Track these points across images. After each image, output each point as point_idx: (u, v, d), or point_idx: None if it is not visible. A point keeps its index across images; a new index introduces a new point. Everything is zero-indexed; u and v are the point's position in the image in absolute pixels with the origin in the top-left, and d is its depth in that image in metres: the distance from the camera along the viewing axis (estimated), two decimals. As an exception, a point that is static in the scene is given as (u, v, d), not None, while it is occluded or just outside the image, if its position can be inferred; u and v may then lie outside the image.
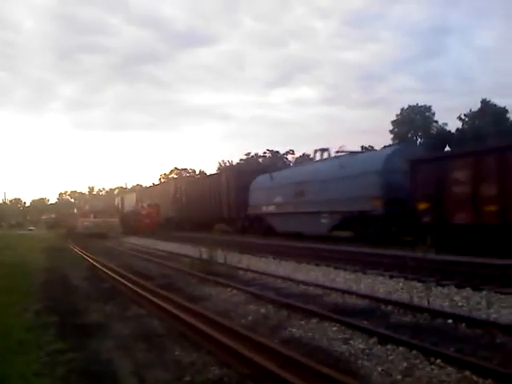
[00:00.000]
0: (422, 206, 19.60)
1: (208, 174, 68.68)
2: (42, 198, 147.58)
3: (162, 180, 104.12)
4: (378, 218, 22.14)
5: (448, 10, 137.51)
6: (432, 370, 5.43)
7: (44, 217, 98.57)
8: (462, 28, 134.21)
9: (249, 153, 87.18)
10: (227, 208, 36.12)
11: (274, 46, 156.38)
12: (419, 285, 10.80)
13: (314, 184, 26.67)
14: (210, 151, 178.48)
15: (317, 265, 15.34)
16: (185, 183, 49.20)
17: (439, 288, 10.56)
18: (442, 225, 18.61)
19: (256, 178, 33.62)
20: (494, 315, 8.02)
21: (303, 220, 27.25)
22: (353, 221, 23.75)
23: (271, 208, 30.44)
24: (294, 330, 7.47)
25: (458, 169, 18.42)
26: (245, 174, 36.89)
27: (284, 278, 12.75)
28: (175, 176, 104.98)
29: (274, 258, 17.81)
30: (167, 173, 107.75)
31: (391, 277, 12.38)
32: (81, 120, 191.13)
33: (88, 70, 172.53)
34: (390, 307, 8.84)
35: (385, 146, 26.01)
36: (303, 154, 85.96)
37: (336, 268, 14.49)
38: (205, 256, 15.24)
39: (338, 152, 28.18)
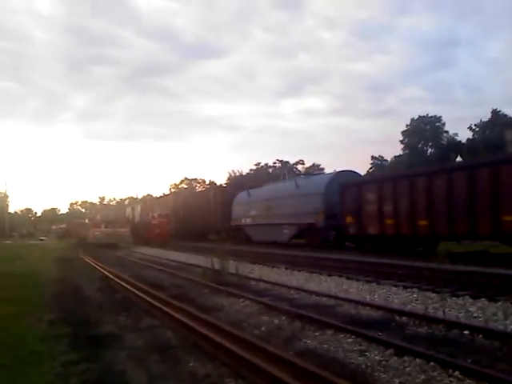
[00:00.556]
0: (349, 219, 25.65)
1: (199, 189, 76.99)
2: (53, 208, 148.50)
3: (172, 190, 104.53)
4: (321, 229, 28.29)
5: (457, 22, 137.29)
6: (451, 382, 5.35)
7: (55, 227, 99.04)
8: (471, 39, 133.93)
9: (259, 163, 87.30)
10: (215, 220, 40.97)
11: (283, 57, 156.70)
12: (434, 295, 10.72)
13: (278, 200, 32.91)
14: (219, 161, 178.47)
15: (329, 275, 15.26)
16: (182, 197, 53.73)
17: (454, 299, 10.45)
18: (362, 234, 24.88)
19: (237, 195, 39.34)
20: (511, 326, 7.91)
21: (271, 230, 33.12)
22: (304, 231, 29.91)
23: (248, 220, 36.57)
24: (309, 341, 7.41)
25: (369, 192, 24.55)
26: (229, 190, 43.64)
27: (297, 289, 12.69)
28: (185, 186, 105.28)
29: (286, 268, 17.75)
30: (177, 183, 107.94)
31: (405, 287, 12.28)
32: (92, 131, 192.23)
33: (99, 81, 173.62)
34: (404, 318, 8.75)
35: (340, 170, 32.62)
36: (313, 164, 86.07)
37: (348, 278, 14.40)
38: (216, 266, 15.21)
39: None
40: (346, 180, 27.65)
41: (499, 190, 17.73)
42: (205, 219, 42.81)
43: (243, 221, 37.31)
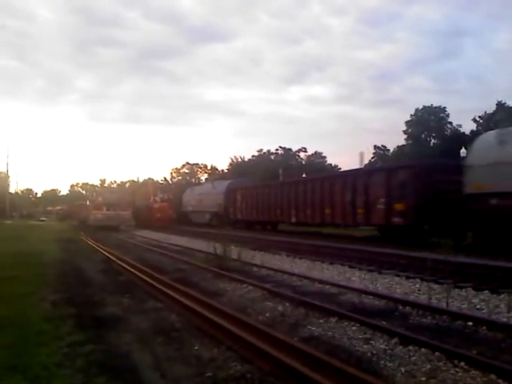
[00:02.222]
0: (230, 210, 41.08)
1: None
2: (54, 189, 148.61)
3: (174, 174, 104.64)
4: (222, 215, 41.55)
5: (464, 12, 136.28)
6: (456, 372, 5.36)
7: (56, 208, 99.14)
8: (477, 30, 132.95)
9: (261, 149, 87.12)
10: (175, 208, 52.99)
11: (289, 43, 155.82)
12: (436, 286, 10.73)
13: (204, 196, 47.66)
14: (222, 147, 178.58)
15: (331, 263, 15.29)
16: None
17: (457, 290, 10.46)
18: (234, 219, 40.11)
19: (186, 190, 54.96)
20: (515, 319, 7.93)
21: (200, 215, 47.36)
22: (214, 216, 43.51)
23: (190, 208, 50.97)
24: (314, 328, 7.43)
25: (237, 194, 40.38)
26: (182, 186, 63.13)
27: (299, 276, 12.72)
28: (187, 171, 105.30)
29: (287, 256, 17.78)
30: (179, 167, 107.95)
31: (407, 277, 12.30)
32: (95, 112, 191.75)
33: (104, 63, 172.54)
34: (408, 308, 8.77)
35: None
36: (315, 152, 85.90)
37: (351, 267, 14.42)
38: (218, 251, 15.24)
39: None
40: (235, 185, 42.63)
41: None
42: (174, 206, 53.96)
43: (188, 208, 51.55)
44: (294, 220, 31.98)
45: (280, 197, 33.21)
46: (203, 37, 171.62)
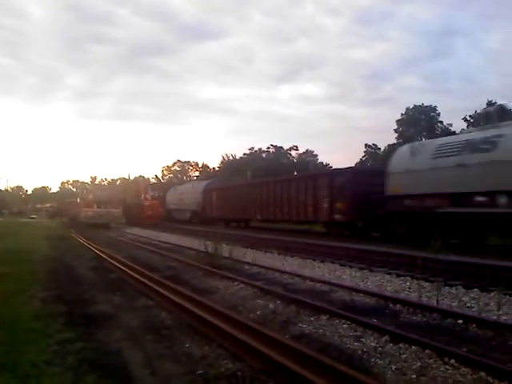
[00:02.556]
0: (206, 208, 43.91)
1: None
2: (44, 187, 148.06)
3: (165, 172, 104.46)
4: (200, 213, 44.78)
5: (456, 12, 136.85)
6: (446, 369, 5.38)
7: (46, 205, 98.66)
8: (469, 29, 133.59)
9: (252, 147, 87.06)
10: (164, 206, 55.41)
11: (282, 42, 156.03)
12: (427, 284, 10.76)
13: (184, 195, 49.89)
14: (214, 145, 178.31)
15: (322, 261, 15.31)
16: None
17: (447, 288, 10.50)
18: (210, 216, 41.62)
19: (169, 189, 57.26)
20: (505, 317, 7.95)
21: (182, 213, 49.56)
22: (194, 214, 46.24)
23: (173, 206, 52.88)
24: (305, 325, 7.43)
25: (212, 194, 43.21)
26: (166, 186, 65.49)
27: (290, 274, 12.72)
28: (178, 168, 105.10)
29: (278, 254, 17.79)
30: (170, 165, 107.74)
31: (398, 275, 12.34)
32: (86, 110, 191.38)
33: (96, 60, 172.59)
34: (398, 306, 8.80)
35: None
36: (307, 150, 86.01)
37: (342, 265, 14.44)
38: (210, 249, 15.22)
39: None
40: (211, 186, 45.68)
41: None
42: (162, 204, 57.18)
43: (171, 206, 53.52)
44: (259, 217, 35.48)
45: (247, 197, 36.37)
46: (195, 34, 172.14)
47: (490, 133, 17.89)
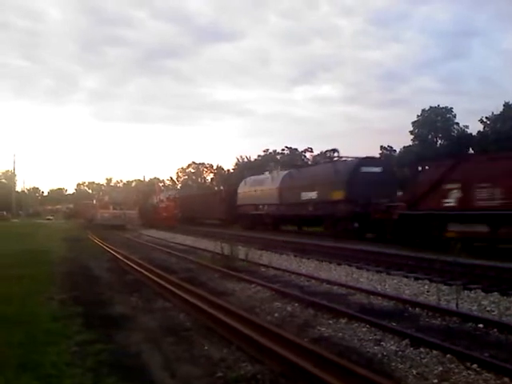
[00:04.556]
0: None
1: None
2: (60, 188, 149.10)
3: (180, 174, 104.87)
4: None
5: (473, 13, 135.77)
6: (469, 374, 5.31)
7: (62, 206, 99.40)
8: (486, 30, 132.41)
9: (267, 149, 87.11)
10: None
11: (297, 44, 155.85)
12: (445, 288, 10.65)
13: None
14: (228, 146, 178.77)
15: (339, 264, 15.23)
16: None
17: (466, 292, 10.38)
18: (183, 217, 49.60)
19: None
20: (526, 322, 7.85)
21: None
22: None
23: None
24: (323, 329, 7.39)
25: (181, 199, 52.07)
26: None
27: (307, 276, 12.68)
28: (193, 170, 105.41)
29: (294, 256, 17.73)
30: (185, 167, 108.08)
31: (416, 278, 12.23)
32: (102, 112, 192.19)
33: (111, 62, 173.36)
34: (417, 309, 8.71)
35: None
36: (321, 152, 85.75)
37: (358, 268, 14.36)
38: (226, 251, 15.23)
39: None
40: (180, 194, 57.13)
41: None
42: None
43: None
44: (198, 217, 50.92)
45: (194, 203, 51.37)
46: (210, 36, 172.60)
47: (265, 176, 41.38)
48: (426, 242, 19.29)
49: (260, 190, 37.58)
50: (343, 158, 32.14)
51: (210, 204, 46.28)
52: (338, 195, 27.14)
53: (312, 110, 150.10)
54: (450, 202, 18.73)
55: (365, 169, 27.32)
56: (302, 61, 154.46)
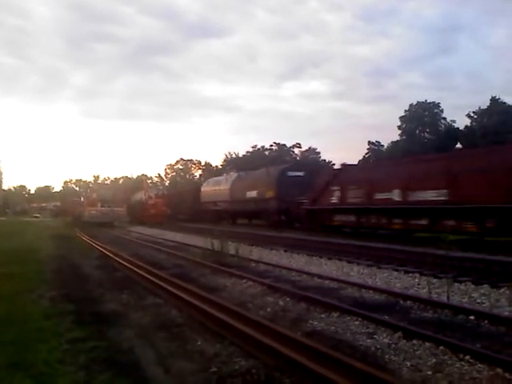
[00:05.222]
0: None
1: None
2: (47, 186, 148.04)
3: (168, 171, 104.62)
4: None
5: (460, 8, 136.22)
6: (462, 366, 5.34)
7: (49, 204, 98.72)
8: (473, 26, 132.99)
9: (255, 145, 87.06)
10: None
11: (285, 39, 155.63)
12: (435, 280, 10.71)
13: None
14: (217, 143, 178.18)
15: (329, 258, 15.27)
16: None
17: (456, 284, 10.46)
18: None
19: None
20: (517, 313, 7.93)
21: None
22: None
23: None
24: (316, 323, 7.40)
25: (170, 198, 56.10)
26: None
27: (298, 271, 12.69)
28: (181, 167, 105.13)
29: (285, 251, 17.75)
30: (173, 163, 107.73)
31: (406, 272, 12.29)
32: (90, 109, 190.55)
33: (100, 59, 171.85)
34: (409, 302, 8.76)
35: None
36: (309, 148, 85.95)
37: (349, 262, 14.40)
38: (216, 247, 15.20)
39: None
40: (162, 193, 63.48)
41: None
42: None
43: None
44: (176, 213, 51.81)
45: (174, 200, 53.91)
46: (199, 33, 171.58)
47: (221, 178, 49.15)
48: (323, 228, 26.59)
49: (218, 189, 44.28)
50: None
51: (183, 201, 51.89)
52: (270, 194, 33.93)
53: (300, 106, 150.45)
54: (334, 199, 25.97)
55: (290, 173, 34.32)
56: (290, 56, 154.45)
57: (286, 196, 31.15)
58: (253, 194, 36.88)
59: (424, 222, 20.10)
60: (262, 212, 34.68)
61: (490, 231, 17.52)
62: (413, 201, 20.50)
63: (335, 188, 25.96)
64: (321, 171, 31.78)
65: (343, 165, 32.19)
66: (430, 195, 19.73)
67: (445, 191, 19.02)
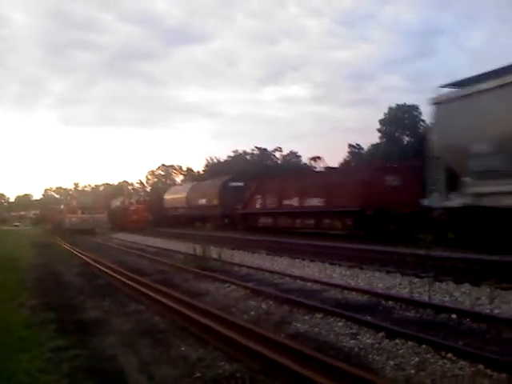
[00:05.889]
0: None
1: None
2: (27, 194, 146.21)
3: (149, 177, 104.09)
4: None
5: (439, 12, 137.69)
6: (444, 364, 5.39)
7: (29, 212, 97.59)
8: (452, 29, 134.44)
9: (236, 150, 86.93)
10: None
11: (265, 44, 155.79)
12: (417, 280, 10.78)
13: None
14: (199, 148, 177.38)
15: (312, 261, 15.31)
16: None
17: (437, 283, 10.54)
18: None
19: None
20: (497, 310, 8.01)
21: None
22: None
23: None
24: (299, 325, 7.40)
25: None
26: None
27: (280, 274, 12.72)
28: (162, 173, 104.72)
29: (267, 254, 17.76)
30: (154, 170, 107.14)
31: (388, 272, 12.38)
32: (69, 116, 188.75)
33: (80, 66, 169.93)
34: (391, 302, 8.81)
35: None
36: (290, 152, 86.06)
37: (331, 264, 14.44)
38: (198, 252, 15.15)
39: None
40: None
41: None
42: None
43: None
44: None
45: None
46: (180, 38, 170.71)
47: (180, 187, 59.81)
48: (253, 229, 32.60)
49: (177, 197, 50.02)
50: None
51: (154, 206, 54.60)
52: (215, 201, 40.37)
53: (281, 110, 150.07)
54: (258, 205, 33.09)
55: (232, 183, 40.08)
56: (270, 61, 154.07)
57: (228, 203, 37.45)
58: (203, 201, 43.14)
59: (312, 221, 27.21)
60: (211, 217, 38.82)
61: (350, 228, 24.35)
62: (306, 206, 27.59)
63: (258, 196, 33.14)
64: (253, 182, 37.07)
65: (264, 177, 38.08)
66: (315, 202, 26.75)
67: (323, 199, 25.99)
